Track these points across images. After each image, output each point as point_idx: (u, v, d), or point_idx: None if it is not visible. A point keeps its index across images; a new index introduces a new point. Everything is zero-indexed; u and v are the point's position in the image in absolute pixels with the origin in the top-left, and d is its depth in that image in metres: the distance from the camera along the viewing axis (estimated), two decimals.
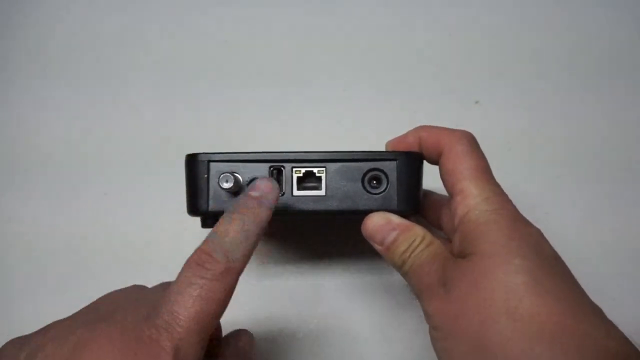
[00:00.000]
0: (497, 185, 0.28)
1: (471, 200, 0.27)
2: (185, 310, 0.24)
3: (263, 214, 0.26)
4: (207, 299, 0.24)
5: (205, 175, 0.30)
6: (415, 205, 0.30)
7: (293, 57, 0.48)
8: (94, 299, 0.28)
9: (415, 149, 0.31)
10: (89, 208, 0.42)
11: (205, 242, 0.26)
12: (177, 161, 0.32)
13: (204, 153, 0.30)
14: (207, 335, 0.25)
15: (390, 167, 0.30)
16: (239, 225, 0.26)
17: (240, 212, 0.26)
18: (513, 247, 0.25)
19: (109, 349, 0.23)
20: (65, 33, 0.48)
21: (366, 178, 0.30)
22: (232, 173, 0.29)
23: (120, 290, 0.29)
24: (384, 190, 0.30)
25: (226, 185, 0.29)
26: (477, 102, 0.47)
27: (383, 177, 0.30)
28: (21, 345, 0.25)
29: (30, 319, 0.29)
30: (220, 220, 0.26)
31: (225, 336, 0.30)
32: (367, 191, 0.30)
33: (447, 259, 0.27)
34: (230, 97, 0.46)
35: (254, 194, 0.27)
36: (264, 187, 0.27)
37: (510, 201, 0.28)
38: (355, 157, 0.30)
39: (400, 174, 0.30)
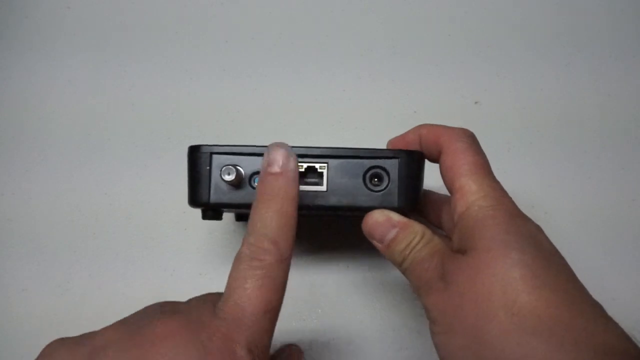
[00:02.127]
0: (496, 182, 0.28)
1: (470, 197, 0.27)
2: (250, 301, 0.24)
3: (291, 188, 0.26)
4: (268, 288, 0.24)
5: (208, 167, 0.29)
6: (416, 203, 0.30)
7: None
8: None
9: (416, 147, 0.31)
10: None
11: (250, 234, 0.25)
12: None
13: (206, 145, 0.30)
14: (274, 325, 0.25)
15: (391, 165, 0.30)
16: (275, 209, 0.25)
17: (269, 196, 0.26)
18: (511, 241, 0.25)
19: (182, 345, 0.22)
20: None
21: (367, 175, 0.30)
22: (234, 166, 0.29)
23: (160, 302, 0.27)
24: (385, 188, 0.30)
25: (228, 178, 0.28)
26: (477, 102, 0.47)
27: (384, 174, 0.30)
28: (72, 349, 0.24)
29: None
30: (254, 209, 0.26)
31: (276, 351, 0.30)
32: (368, 188, 0.30)
33: (446, 255, 0.27)
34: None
35: (273, 169, 0.26)
36: (280, 157, 0.26)
37: (508, 197, 0.28)
38: (358, 155, 0.30)
39: (401, 172, 0.30)
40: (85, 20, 0.49)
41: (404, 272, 0.29)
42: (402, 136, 0.32)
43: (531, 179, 0.43)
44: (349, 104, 0.47)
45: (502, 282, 0.24)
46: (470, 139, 0.29)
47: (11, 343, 0.38)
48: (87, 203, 0.43)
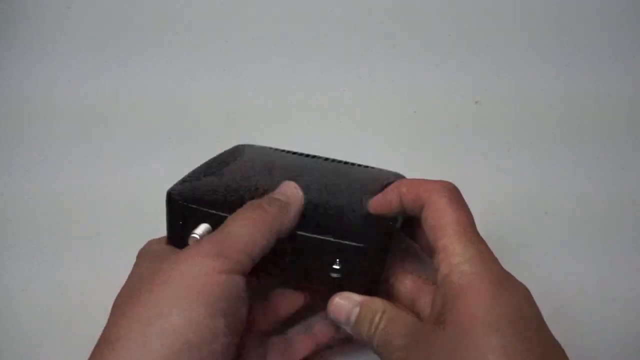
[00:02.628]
0: (482, 242, 0.26)
1: (454, 259, 0.25)
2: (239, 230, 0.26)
3: (284, 219, 0.27)
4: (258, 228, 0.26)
5: (180, 222, 0.30)
6: (376, 287, 0.29)
7: None
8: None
9: (396, 206, 0.29)
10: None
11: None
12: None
13: (177, 194, 0.30)
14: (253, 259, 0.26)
15: (354, 251, 0.28)
16: (252, 219, 0.27)
17: (258, 208, 0.27)
18: (492, 322, 0.23)
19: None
20: None
21: (330, 264, 0.28)
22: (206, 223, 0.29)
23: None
24: (345, 275, 0.28)
25: (198, 232, 0.28)
26: (477, 102, 0.47)
27: (344, 263, 0.28)
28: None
29: None
30: (238, 211, 0.27)
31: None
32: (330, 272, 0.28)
33: (417, 331, 0.26)
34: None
35: (278, 196, 0.28)
36: (290, 193, 0.28)
37: (494, 260, 0.26)
38: (322, 246, 0.28)
39: (361, 262, 0.28)
40: (86, 20, 0.49)
41: (379, 355, 0.27)
42: (383, 195, 0.30)
43: (531, 178, 0.43)
44: (349, 104, 0.47)
45: None
46: (452, 193, 0.28)
47: (11, 343, 0.38)
48: (87, 202, 0.43)
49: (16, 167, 0.44)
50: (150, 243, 0.31)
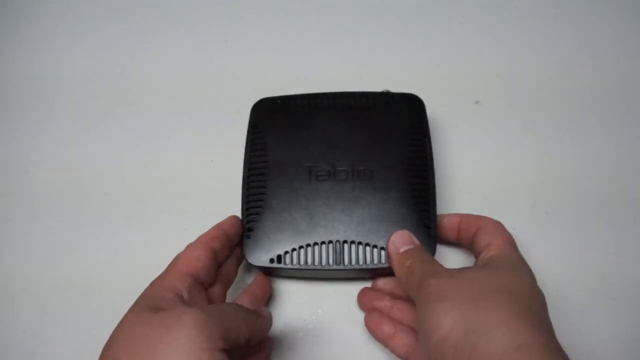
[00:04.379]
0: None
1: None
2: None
3: (264, 331, 0.32)
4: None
5: None
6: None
7: None
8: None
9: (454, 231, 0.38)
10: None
11: None
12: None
13: None
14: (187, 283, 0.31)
15: None
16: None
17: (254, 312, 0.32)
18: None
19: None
20: None
21: None
22: None
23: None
24: None
25: None
26: (477, 102, 0.47)
27: None
28: None
29: None
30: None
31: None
32: None
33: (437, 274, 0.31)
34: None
35: (266, 315, 0.33)
36: (269, 317, 0.33)
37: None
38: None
39: None
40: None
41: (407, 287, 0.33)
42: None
43: (531, 178, 0.43)
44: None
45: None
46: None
47: (11, 342, 0.38)
48: (86, 203, 0.44)
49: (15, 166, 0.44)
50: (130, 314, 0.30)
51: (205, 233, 0.34)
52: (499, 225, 0.36)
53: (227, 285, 0.36)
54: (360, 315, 0.38)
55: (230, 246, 0.36)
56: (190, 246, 0.33)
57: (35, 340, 0.38)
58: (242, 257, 0.38)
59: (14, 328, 0.39)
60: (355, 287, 0.39)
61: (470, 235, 0.36)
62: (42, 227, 0.43)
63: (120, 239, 0.42)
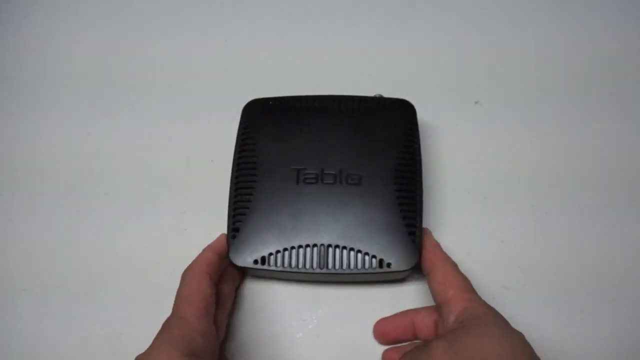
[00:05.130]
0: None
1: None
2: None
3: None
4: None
5: None
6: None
7: None
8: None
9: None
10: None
11: None
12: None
13: None
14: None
15: None
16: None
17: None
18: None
19: None
20: None
21: None
22: None
23: None
24: None
25: None
26: (477, 102, 0.47)
27: None
28: None
29: None
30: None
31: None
32: None
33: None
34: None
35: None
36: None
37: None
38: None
39: None
40: None
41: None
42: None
43: (531, 178, 0.43)
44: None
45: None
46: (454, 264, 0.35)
47: (11, 343, 0.38)
48: (86, 203, 0.44)
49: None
50: None
51: (203, 258, 0.35)
52: (450, 271, 0.34)
53: (227, 308, 0.36)
54: (360, 316, 0.38)
55: (223, 266, 0.36)
56: (193, 277, 0.33)
57: (35, 340, 0.38)
58: (238, 280, 0.38)
59: (14, 328, 0.39)
60: (356, 287, 0.39)
61: (425, 271, 0.35)
62: (42, 227, 0.43)
63: (120, 239, 0.42)
